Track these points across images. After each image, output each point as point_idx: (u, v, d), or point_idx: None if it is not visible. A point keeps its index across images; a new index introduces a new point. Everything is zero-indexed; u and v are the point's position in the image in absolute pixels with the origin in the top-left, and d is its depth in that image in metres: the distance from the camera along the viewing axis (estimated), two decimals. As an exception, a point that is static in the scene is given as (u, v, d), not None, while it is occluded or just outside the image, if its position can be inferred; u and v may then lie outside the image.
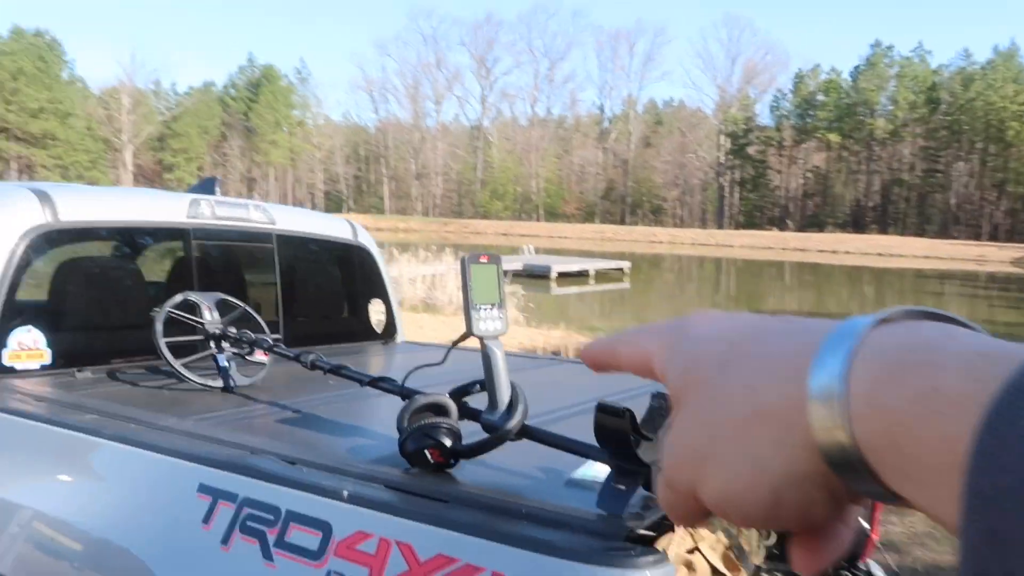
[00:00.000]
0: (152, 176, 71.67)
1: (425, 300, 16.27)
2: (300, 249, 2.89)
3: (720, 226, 74.05)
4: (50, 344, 2.06)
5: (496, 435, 1.27)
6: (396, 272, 16.83)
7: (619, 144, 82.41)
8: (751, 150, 76.61)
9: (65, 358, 2.08)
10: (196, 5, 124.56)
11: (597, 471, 1.25)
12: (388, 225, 63.25)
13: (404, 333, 3.27)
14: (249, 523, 1.22)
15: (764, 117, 77.80)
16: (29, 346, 2.04)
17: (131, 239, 2.41)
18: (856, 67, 70.26)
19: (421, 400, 1.34)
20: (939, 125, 66.31)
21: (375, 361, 2.75)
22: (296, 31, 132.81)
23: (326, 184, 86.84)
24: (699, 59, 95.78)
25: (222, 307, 2.13)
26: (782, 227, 69.90)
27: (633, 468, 1.11)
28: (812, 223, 71.00)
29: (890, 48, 69.11)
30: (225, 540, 1.23)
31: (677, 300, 22.67)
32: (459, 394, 1.40)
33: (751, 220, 75.75)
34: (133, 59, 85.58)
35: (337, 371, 1.77)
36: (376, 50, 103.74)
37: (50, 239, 2.10)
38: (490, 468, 1.32)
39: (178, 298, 2.05)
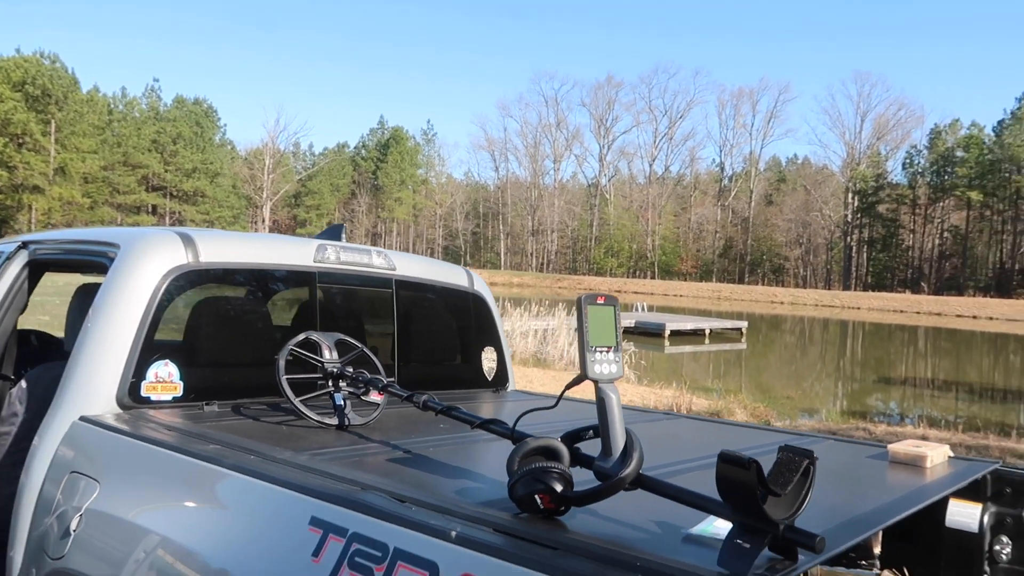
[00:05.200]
0: (286, 230, 76.24)
1: (536, 355, 16.29)
2: (418, 295, 2.95)
3: (846, 287, 70.60)
4: (183, 378, 2.17)
5: (610, 483, 1.22)
6: (509, 326, 16.99)
7: (739, 202, 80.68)
8: (881, 208, 73.13)
9: (196, 392, 2.18)
10: (336, 71, 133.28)
11: (717, 528, 1.17)
12: (503, 280, 64.12)
13: (515, 382, 3.26)
14: (357, 559, 1.22)
15: (896, 174, 74.38)
16: (164, 379, 2.15)
17: (263, 281, 2.52)
18: (1000, 122, 66.21)
19: (532, 443, 1.30)
20: (1097, 183, 61.13)
21: (485, 407, 2.74)
22: (425, 94, 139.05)
23: (445, 239, 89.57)
24: (826, 115, 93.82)
25: (341, 347, 2.18)
26: (915, 289, 65.78)
27: (758, 526, 1.03)
28: (949, 286, 66.49)
29: (1038, 101, 64.73)
30: (333, 574, 1.22)
31: (798, 363, 21.59)
32: (572, 439, 1.36)
33: (880, 282, 71.86)
34: (277, 123, 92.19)
35: (448, 412, 1.77)
36: (499, 111, 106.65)
37: (190, 279, 2.23)
38: (602, 518, 1.26)
39: (301, 337, 2.12)
